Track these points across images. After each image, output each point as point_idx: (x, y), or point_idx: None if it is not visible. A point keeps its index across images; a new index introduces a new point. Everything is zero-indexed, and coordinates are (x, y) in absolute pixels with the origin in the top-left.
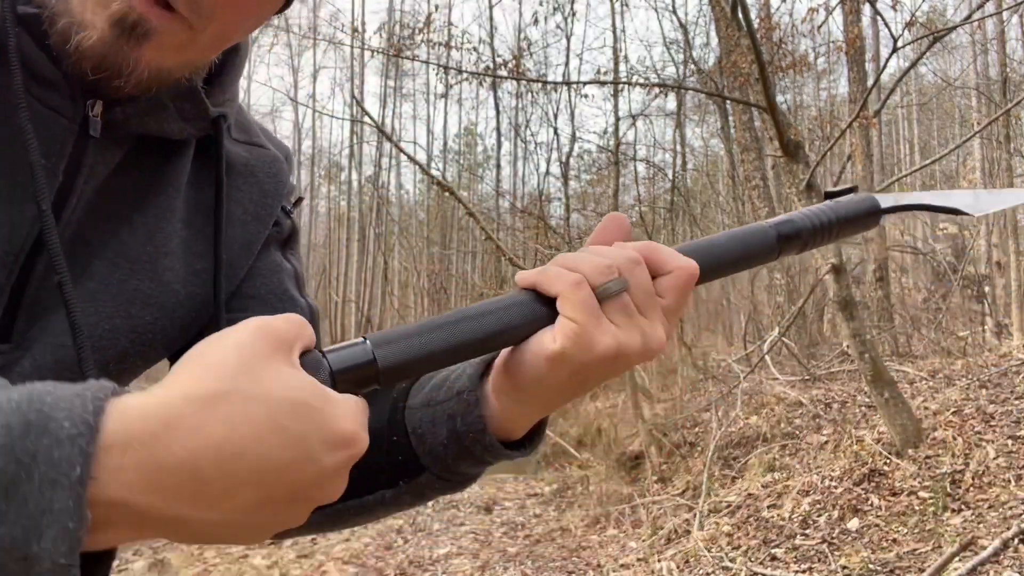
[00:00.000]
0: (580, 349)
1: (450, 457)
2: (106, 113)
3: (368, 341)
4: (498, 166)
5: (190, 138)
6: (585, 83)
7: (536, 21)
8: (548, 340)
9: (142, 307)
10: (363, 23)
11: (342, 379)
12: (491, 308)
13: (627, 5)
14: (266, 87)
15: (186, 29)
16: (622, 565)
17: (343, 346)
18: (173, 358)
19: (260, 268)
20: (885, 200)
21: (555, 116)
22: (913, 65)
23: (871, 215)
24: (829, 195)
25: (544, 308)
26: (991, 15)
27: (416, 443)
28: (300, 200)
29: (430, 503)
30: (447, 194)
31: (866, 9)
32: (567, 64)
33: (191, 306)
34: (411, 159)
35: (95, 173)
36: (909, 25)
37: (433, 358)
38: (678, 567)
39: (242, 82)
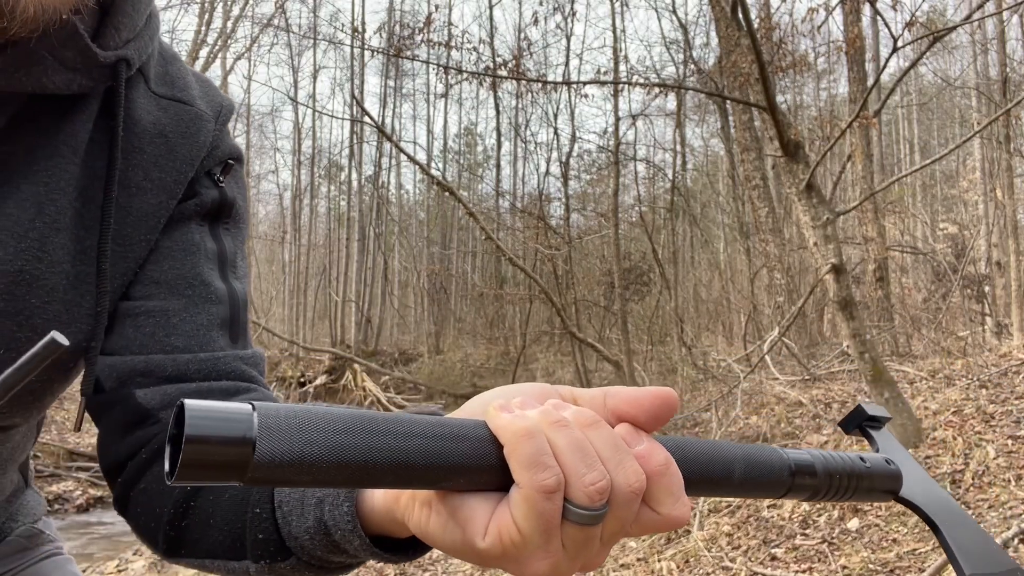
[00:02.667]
0: (504, 559)
1: (319, 549)
2: None
3: (256, 412)
4: (498, 166)
5: (89, 92)
6: (585, 83)
7: (536, 21)
8: (477, 526)
9: (28, 290)
10: (363, 23)
11: (196, 444)
12: (438, 431)
13: (627, 5)
14: (266, 87)
15: None
16: (622, 565)
17: (214, 408)
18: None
19: (171, 248)
20: (909, 486)
21: (555, 116)
22: (913, 65)
23: (889, 490)
24: (856, 423)
25: (495, 471)
26: (991, 15)
27: (281, 521)
28: (231, 165)
29: None
30: (447, 194)
31: (866, 9)
32: (567, 64)
33: (84, 288)
34: (411, 159)
35: None
36: (909, 25)
37: (334, 467)
38: (678, 567)
39: (242, 81)
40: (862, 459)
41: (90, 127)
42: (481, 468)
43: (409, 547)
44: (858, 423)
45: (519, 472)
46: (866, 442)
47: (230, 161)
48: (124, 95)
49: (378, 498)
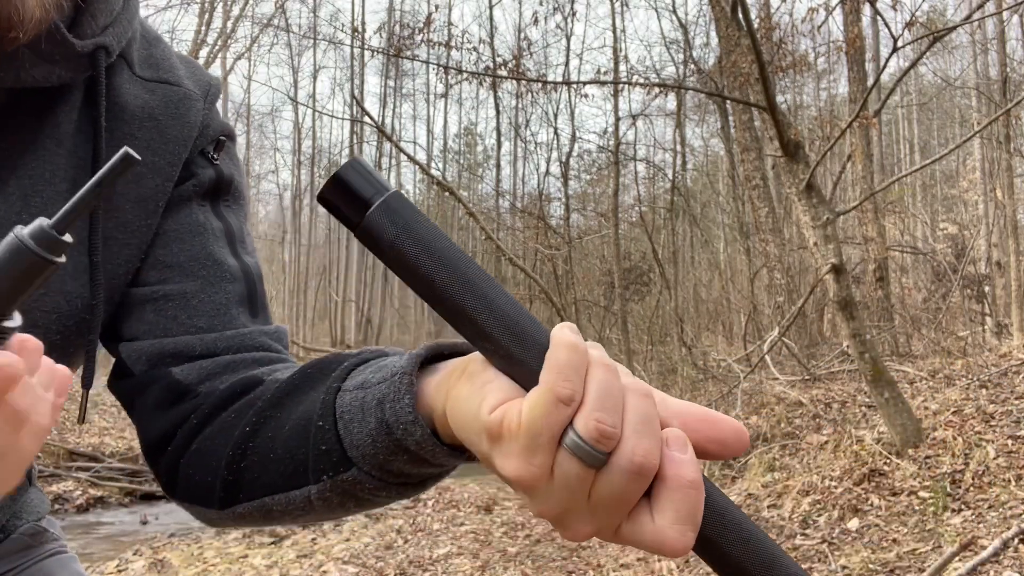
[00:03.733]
0: (495, 444)
1: (381, 452)
2: None
3: (389, 195)
4: (498, 166)
5: (70, 82)
6: (585, 83)
7: (536, 21)
8: (489, 401)
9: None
10: (363, 23)
11: (329, 188)
12: (520, 309)
13: (627, 5)
14: (266, 87)
15: None
16: (622, 565)
17: (370, 172)
18: (71, 341)
19: (178, 231)
20: None
21: (555, 116)
22: (913, 65)
23: None
24: None
25: (533, 369)
26: (991, 15)
27: (343, 431)
28: (223, 142)
29: (431, 508)
30: (447, 194)
31: (866, 9)
32: (567, 64)
33: (83, 279)
34: (411, 159)
35: None
36: (909, 25)
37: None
38: (678, 567)
39: (242, 81)
40: None
41: (75, 117)
42: (525, 356)
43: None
44: None
45: (546, 372)
46: None
47: (222, 138)
48: (105, 83)
49: (429, 392)
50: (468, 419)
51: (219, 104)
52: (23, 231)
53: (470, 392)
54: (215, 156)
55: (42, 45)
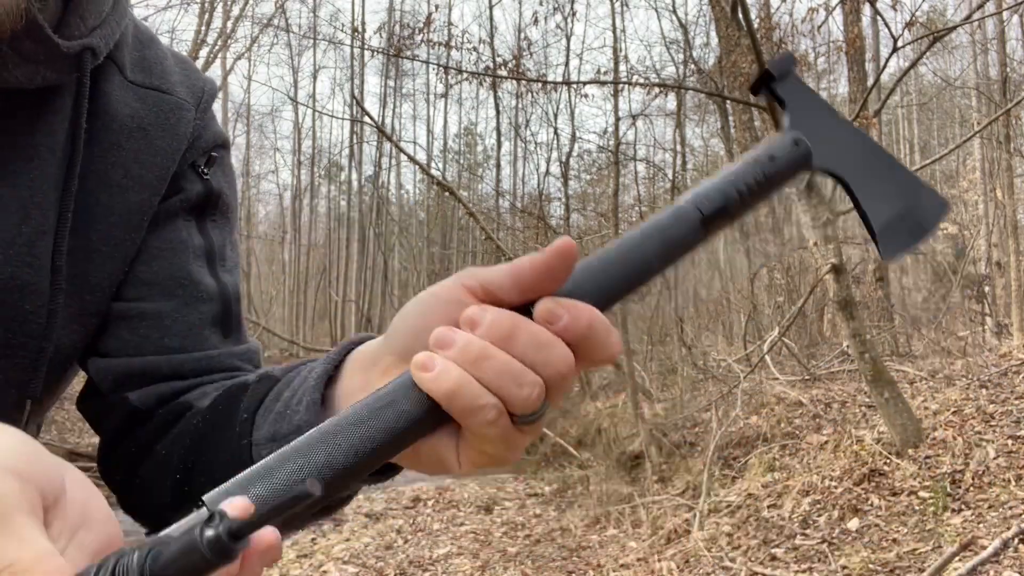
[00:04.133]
0: (488, 467)
1: None
2: None
3: (206, 507)
4: (498, 166)
5: (59, 84)
6: (585, 83)
7: (536, 21)
8: (451, 460)
9: (20, 296)
10: (363, 23)
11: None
12: (373, 412)
13: (627, 5)
14: (266, 87)
15: None
16: (622, 565)
17: (167, 536)
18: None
19: (160, 248)
20: (821, 153)
21: (555, 116)
22: (913, 65)
23: (802, 169)
24: (764, 83)
25: (441, 413)
26: (991, 15)
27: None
28: (214, 158)
29: (431, 508)
30: (447, 194)
31: (866, 9)
32: (567, 64)
33: (75, 291)
34: (411, 159)
35: None
36: (909, 25)
37: (301, 508)
38: (678, 567)
39: (242, 81)
40: (771, 158)
41: (67, 124)
42: (429, 420)
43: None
44: (767, 88)
45: (462, 419)
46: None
47: (213, 154)
48: (93, 87)
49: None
50: (440, 474)
51: (218, 105)
52: (206, 534)
53: (419, 462)
54: (205, 171)
55: (25, 45)
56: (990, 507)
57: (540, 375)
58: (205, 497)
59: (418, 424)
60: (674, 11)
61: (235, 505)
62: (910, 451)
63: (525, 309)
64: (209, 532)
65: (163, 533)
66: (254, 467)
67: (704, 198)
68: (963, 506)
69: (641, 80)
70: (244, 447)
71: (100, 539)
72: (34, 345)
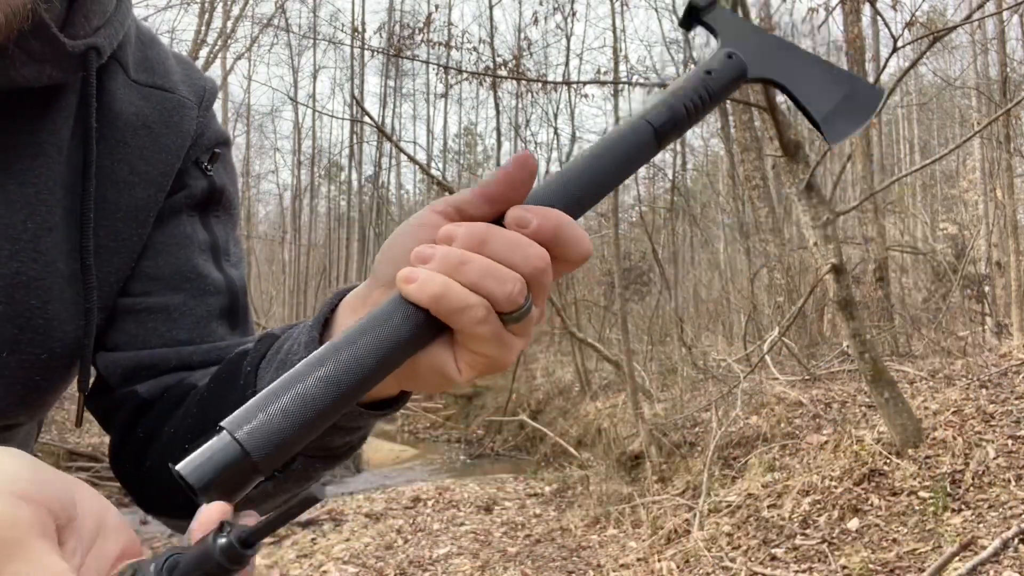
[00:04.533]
0: (487, 373)
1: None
2: None
3: (226, 431)
4: (498, 166)
5: (64, 83)
6: (585, 83)
7: (536, 21)
8: (451, 368)
9: (26, 292)
10: (363, 23)
11: (213, 489)
12: (368, 328)
13: (627, 5)
14: (266, 87)
15: None
16: (622, 565)
17: (199, 454)
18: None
19: (165, 243)
20: (756, 65)
21: (555, 116)
22: (913, 65)
23: (739, 80)
24: (694, 21)
25: (434, 323)
26: (991, 15)
27: None
28: (217, 154)
29: (431, 508)
30: (447, 194)
31: (866, 9)
32: (567, 64)
33: (79, 286)
34: (411, 159)
35: None
36: (909, 25)
37: (316, 415)
38: (678, 567)
39: (242, 81)
40: (708, 72)
41: (71, 122)
42: (423, 331)
43: (385, 405)
44: (695, 20)
45: (452, 320)
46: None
47: (216, 150)
48: (96, 85)
49: None
50: (444, 387)
51: (218, 105)
52: (219, 542)
53: (420, 378)
54: (208, 167)
55: (32, 44)
56: (990, 507)
57: (519, 272)
58: (224, 422)
59: (413, 334)
60: (674, 11)
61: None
62: (910, 451)
63: (497, 223)
64: (222, 540)
65: (185, 460)
66: (267, 388)
67: (655, 113)
68: (963, 506)
69: (641, 80)
70: (250, 396)
71: (117, 547)
72: (40, 340)
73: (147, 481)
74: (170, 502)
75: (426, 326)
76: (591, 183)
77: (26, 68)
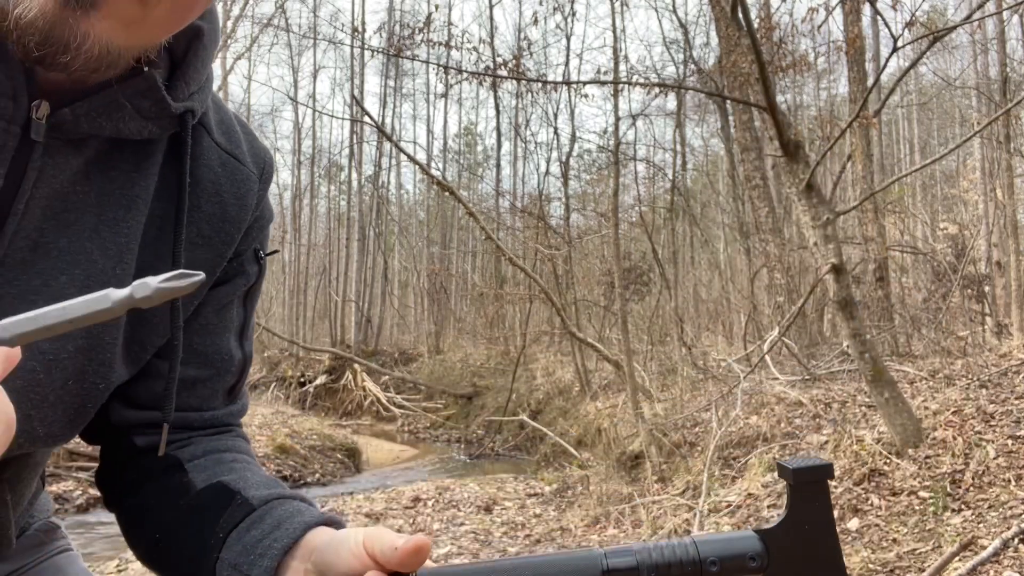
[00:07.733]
0: None
1: None
2: (54, 115)
3: None
4: (498, 166)
5: (157, 138)
6: (585, 83)
7: (536, 21)
8: None
9: (103, 330)
10: (363, 23)
11: None
12: None
13: (627, 5)
14: (266, 87)
15: (136, 3)
16: None
17: None
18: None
19: (216, 324)
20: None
21: (555, 116)
22: (913, 65)
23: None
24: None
25: None
26: (991, 15)
27: None
28: (267, 240)
29: (431, 508)
30: (447, 194)
31: (866, 9)
32: (567, 64)
33: (149, 328)
34: (411, 159)
35: (48, 178)
36: (909, 25)
37: None
38: None
39: (242, 81)
40: (695, 543)
41: (156, 178)
42: None
43: None
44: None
45: None
46: None
47: (275, 251)
48: (191, 144)
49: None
50: None
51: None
52: None
53: None
54: (263, 255)
55: (143, 103)
56: (990, 507)
57: None
58: None
59: None
60: (674, 11)
61: None
62: (910, 451)
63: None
64: None
65: None
66: None
67: (619, 561)
68: (963, 506)
69: (641, 80)
70: (212, 560)
71: None
72: (103, 373)
73: (121, 511)
74: (131, 536)
75: None
76: None
77: (133, 123)
